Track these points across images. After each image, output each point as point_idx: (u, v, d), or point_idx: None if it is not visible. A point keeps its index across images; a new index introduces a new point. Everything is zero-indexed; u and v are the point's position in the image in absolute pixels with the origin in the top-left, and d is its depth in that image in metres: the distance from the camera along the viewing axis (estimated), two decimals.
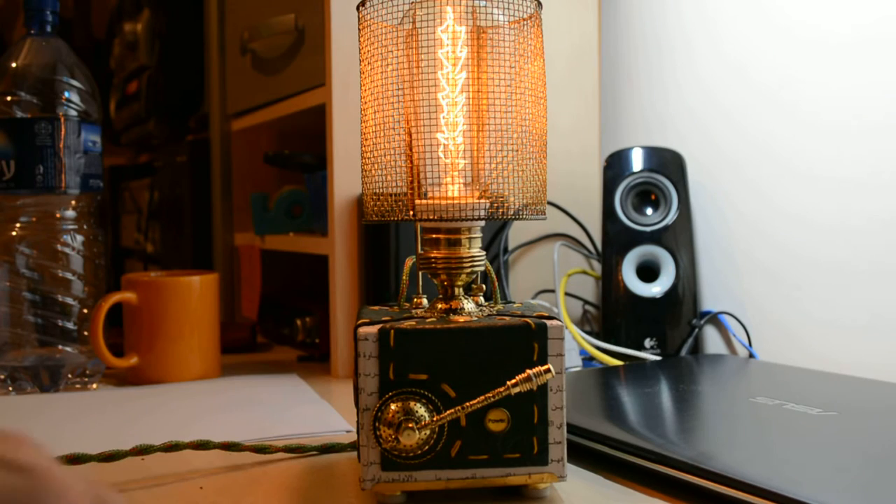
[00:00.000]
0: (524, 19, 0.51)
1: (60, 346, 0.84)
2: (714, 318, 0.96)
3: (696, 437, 0.56)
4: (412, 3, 0.50)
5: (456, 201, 0.50)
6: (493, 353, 0.47)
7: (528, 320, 0.48)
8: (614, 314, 0.96)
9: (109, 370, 0.88)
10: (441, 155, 0.50)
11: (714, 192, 0.98)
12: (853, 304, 0.82)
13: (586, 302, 1.07)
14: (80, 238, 0.86)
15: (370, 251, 0.88)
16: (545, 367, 0.42)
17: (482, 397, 0.43)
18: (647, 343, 0.93)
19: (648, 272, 0.96)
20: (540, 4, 0.52)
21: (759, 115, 0.92)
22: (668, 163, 0.96)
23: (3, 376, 0.82)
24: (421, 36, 0.50)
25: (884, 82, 0.80)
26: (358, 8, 0.52)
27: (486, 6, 0.50)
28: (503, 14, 0.50)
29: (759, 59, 0.92)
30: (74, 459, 0.52)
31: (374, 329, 0.47)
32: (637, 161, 0.97)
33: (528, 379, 0.43)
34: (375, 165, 0.51)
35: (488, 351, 0.47)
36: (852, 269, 0.82)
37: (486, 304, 0.54)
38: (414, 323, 0.48)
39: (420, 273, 0.53)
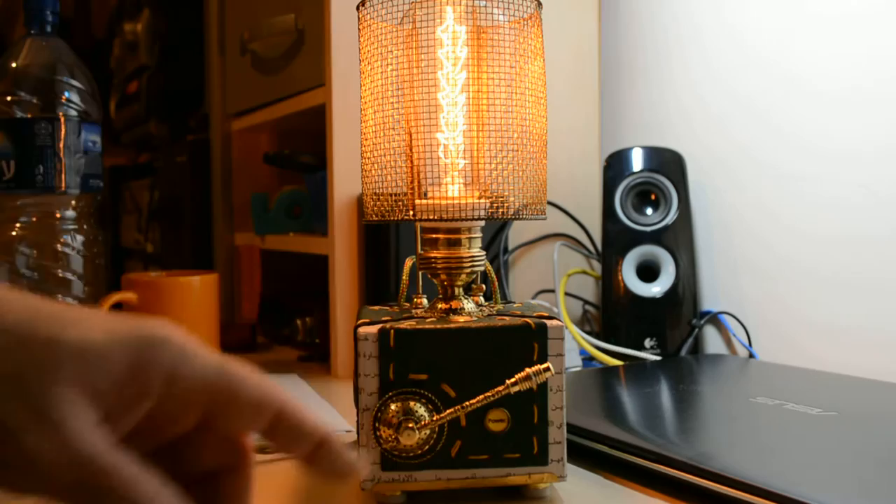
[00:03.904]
0: (524, 19, 0.51)
1: None
2: (714, 318, 0.95)
3: (696, 437, 0.56)
4: (412, 3, 0.50)
5: (456, 201, 0.50)
6: (493, 353, 0.47)
7: (528, 320, 0.48)
8: (614, 314, 0.96)
9: None
10: (441, 155, 0.50)
11: (714, 192, 0.98)
12: (853, 304, 0.82)
13: (586, 302, 1.07)
14: (80, 238, 0.86)
15: (370, 251, 0.88)
16: (544, 365, 0.43)
17: (482, 396, 0.43)
18: (647, 343, 0.93)
19: (648, 272, 0.96)
20: (540, 4, 0.52)
21: (760, 115, 0.92)
22: (668, 163, 0.96)
23: None
24: (421, 36, 0.50)
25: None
26: (358, 8, 0.52)
27: (486, 6, 0.50)
28: (503, 14, 0.50)
29: (764, 59, 0.92)
30: None
31: (374, 329, 0.47)
32: (637, 161, 0.97)
33: (528, 378, 0.43)
34: (375, 165, 0.51)
35: (488, 351, 0.47)
36: (852, 270, 0.82)
37: (486, 304, 0.54)
38: (414, 323, 0.48)
39: (420, 273, 0.53)
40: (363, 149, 0.53)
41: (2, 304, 0.28)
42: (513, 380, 0.43)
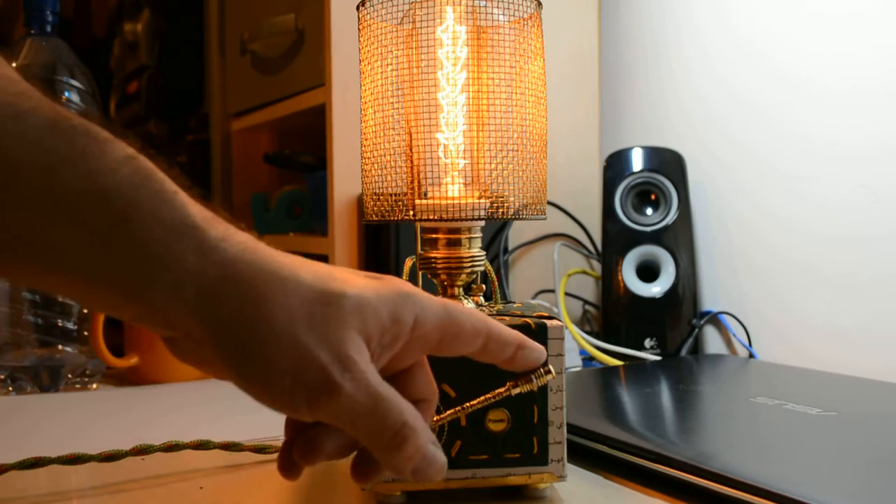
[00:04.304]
0: (524, 19, 0.51)
1: (60, 346, 0.84)
2: (714, 318, 0.95)
3: (696, 437, 0.56)
4: (412, 3, 0.50)
5: (456, 201, 0.50)
6: None
7: (528, 320, 0.48)
8: (614, 314, 0.96)
9: (109, 370, 0.88)
10: (441, 155, 0.50)
11: (714, 192, 0.98)
12: (853, 304, 0.82)
13: (586, 302, 1.07)
14: None
15: (370, 251, 0.88)
16: (546, 367, 0.42)
17: (482, 398, 0.42)
18: (647, 343, 0.93)
19: (648, 272, 0.96)
20: (540, 4, 0.52)
21: (760, 114, 0.92)
22: (668, 163, 0.96)
23: (3, 376, 0.82)
24: (421, 36, 0.50)
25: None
26: (358, 8, 0.52)
27: (486, 6, 0.50)
28: (503, 14, 0.50)
29: (764, 58, 0.92)
30: (74, 459, 0.52)
31: None
32: (637, 161, 0.97)
33: (529, 380, 0.43)
34: (375, 165, 0.51)
35: None
36: (852, 270, 0.82)
37: (486, 304, 0.54)
38: None
39: (420, 273, 0.53)
40: (363, 149, 0.53)
41: (297, 263, 0.34)
42: (514, 381, 0.43)
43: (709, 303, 0.98)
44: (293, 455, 0.37)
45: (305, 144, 1.15)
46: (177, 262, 0.32)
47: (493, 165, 0.50)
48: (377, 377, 0.34)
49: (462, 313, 0.38)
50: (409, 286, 0.37)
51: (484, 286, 0.54)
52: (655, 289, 0.94)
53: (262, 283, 0.33)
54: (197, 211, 0.33)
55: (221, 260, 0.32)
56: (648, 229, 0.95)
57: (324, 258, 0.91)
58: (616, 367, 0.82)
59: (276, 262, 0.34)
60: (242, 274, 0.32)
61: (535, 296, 1.03)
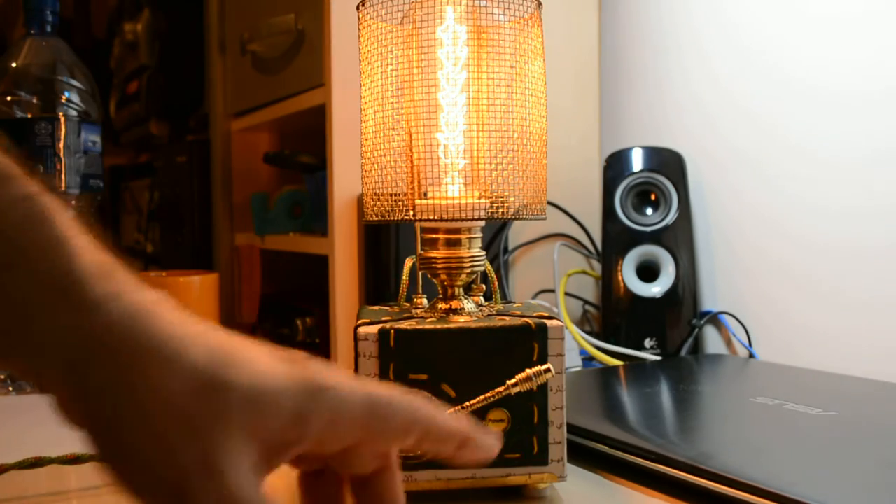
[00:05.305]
0: (524, 19, 0.51)
1: None
2: (714, 318, 0.95)
3: (696, 437, 0.56)
4: (412, 3, 0.50)
5: (456, 201, 0.50)
6: (493, 353, 0.47)
7: (528, 320, 0.48)
8: (614, 314, 0.96)
9: None
10: (441, 155, 0.50)
11: (714, 192, 0.98)
12: (853, 305, 0.82)
13: (586, 302, 1.07)
14: None
15: (370, 251, 0.88)
16: (545, 366, 0.42)
17: (482, 397, 0.43)
18: (647, 343, 0.93)
19: (648, 272, 0.96)
20: (540, 4, 0.52)
21: (759, 117, 0.92)
22: (668, 163, 0.96)
23: (3, 376, 0.82)
24: (421, 36, 0.50)
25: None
26: (358, 8, 0.52)
27: (486, 6, 0.50)
28: (503, 14, 0.50)
29: (762, 61, 0.92)
30: (74, 459, 0.52)
31: (374, 329, 0.47)
32: (637, 161, 0.97)
33: (528, 378, 0.43)
34: (375, 165, 0.51)
35: (488, 351, 0.47)
36: (852, 270, 0.82)
37: (486, 304, 0.54)
38: (414, 323, 0.48)
39: (420, 273, 0.53)
40: (363, 149, 0.53)
41: (191, 337, 0.29)
42: (513, 381, 0.43)
43: (709, 303, 0.98)
44: None
45: (305, 144, 1.15)
46: (48, 320, 0.28)
47: (493, 165, 0.50)
48: (248, 489, 0.29)
49: (390, 406, 0.32)
50: (325, 377, 0.31)
51: (484, 286, 0.54)
52: (655, 289, 0.94)
53: (140, 358, 0.28)
54: (89, 262, 0.29)
55: (103, 323, 0.28)
56: (648, 229, 0.95)
57: (324, 258, 0.91)
58: (616, 367, 0.82)
59: (166, 333, 0.29)
60: (123, 344, 0.28)
61: (535, 296, 1.03)
